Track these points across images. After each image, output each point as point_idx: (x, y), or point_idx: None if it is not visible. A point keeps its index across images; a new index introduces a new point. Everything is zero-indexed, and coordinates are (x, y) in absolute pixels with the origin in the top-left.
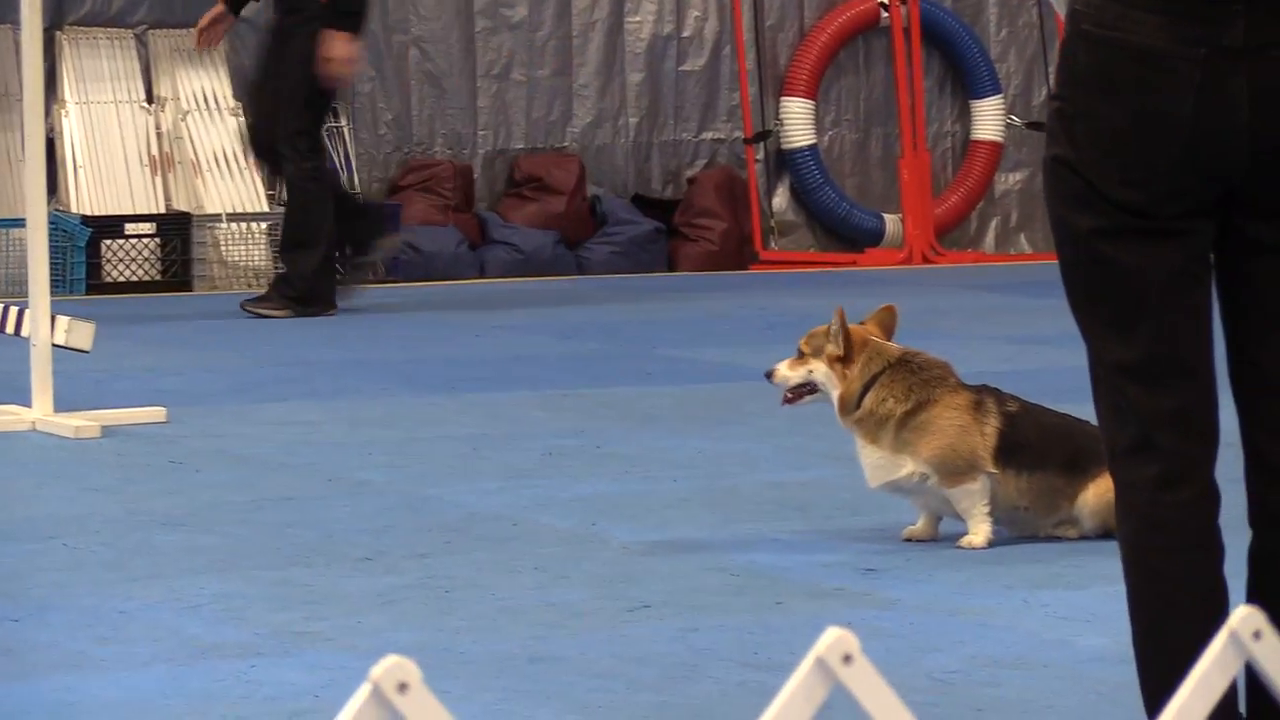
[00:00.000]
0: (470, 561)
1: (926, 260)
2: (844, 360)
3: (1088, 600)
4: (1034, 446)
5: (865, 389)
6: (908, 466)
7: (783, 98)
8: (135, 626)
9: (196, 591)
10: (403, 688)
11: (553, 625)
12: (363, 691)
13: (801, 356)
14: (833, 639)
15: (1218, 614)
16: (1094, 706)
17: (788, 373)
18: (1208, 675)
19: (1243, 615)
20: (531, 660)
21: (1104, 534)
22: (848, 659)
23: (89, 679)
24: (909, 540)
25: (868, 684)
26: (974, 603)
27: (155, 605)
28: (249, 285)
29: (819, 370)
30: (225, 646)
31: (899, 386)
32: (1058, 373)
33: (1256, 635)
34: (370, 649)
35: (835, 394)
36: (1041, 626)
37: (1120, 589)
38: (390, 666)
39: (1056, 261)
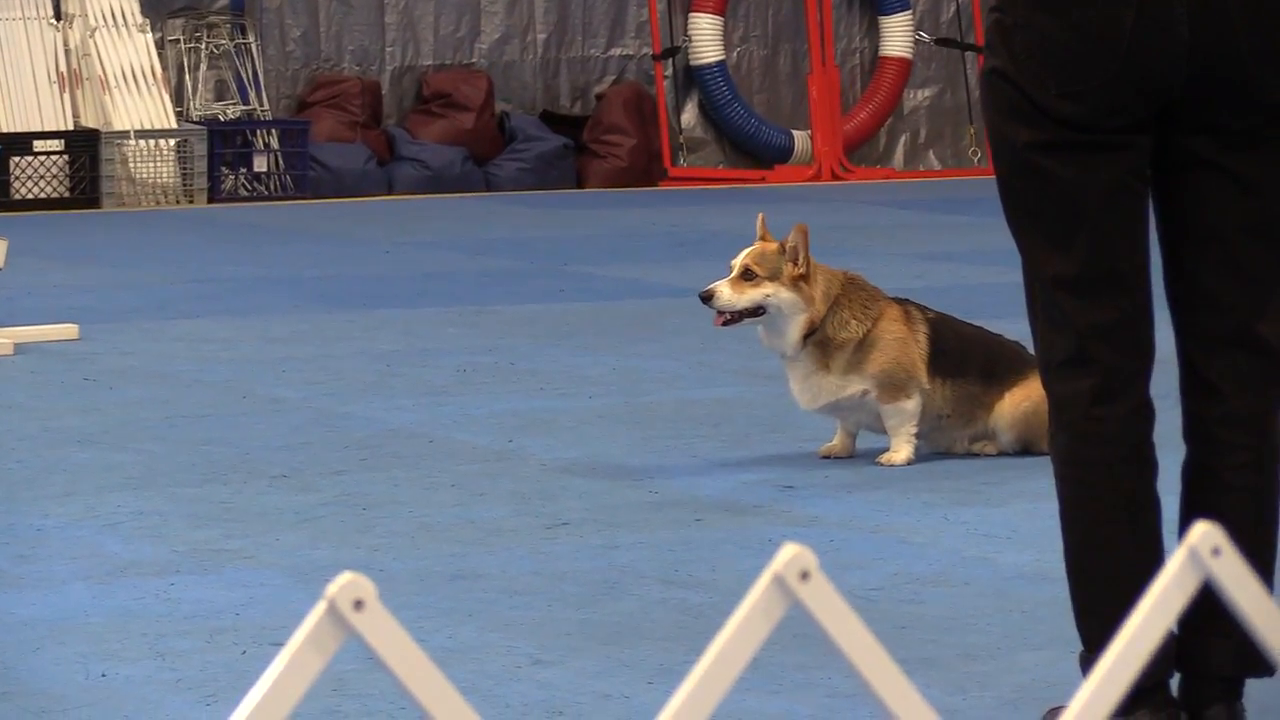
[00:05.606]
0: (388, 479)
1: (835, 176)
2: (807, 280)
3: (1008, 517)
4: (954, 353)
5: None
6: (854, 384)
7: (691, 14)
8: (53, 544)
9: (114, 509)
10: (359, 605)
11: (472, 542)
12: (318, 609)
13: (752, 278)
14: (790, 555)
15: (1150, 529)
16: (1017, 624)
17: (734, 295)
18: (1166, 594)
19: (1202, 532)
20: (452, 578)
21: (1022, 449)
22: (805, 575)
23: (7, 596)
24: (826, 457)
25: (825, 601)
26: (894, 520)
27: (73, 523)
28: (157, 203)
29: (780, 293)
30: (144, 564)
31: (857, 307)
32: (969, 289)
33: (1216, 552)
34: (289, 567)
35: (802, 318)
36: (962, 544)
37: (1040, 506)
38: (346, 584)
39: (993, 176)
